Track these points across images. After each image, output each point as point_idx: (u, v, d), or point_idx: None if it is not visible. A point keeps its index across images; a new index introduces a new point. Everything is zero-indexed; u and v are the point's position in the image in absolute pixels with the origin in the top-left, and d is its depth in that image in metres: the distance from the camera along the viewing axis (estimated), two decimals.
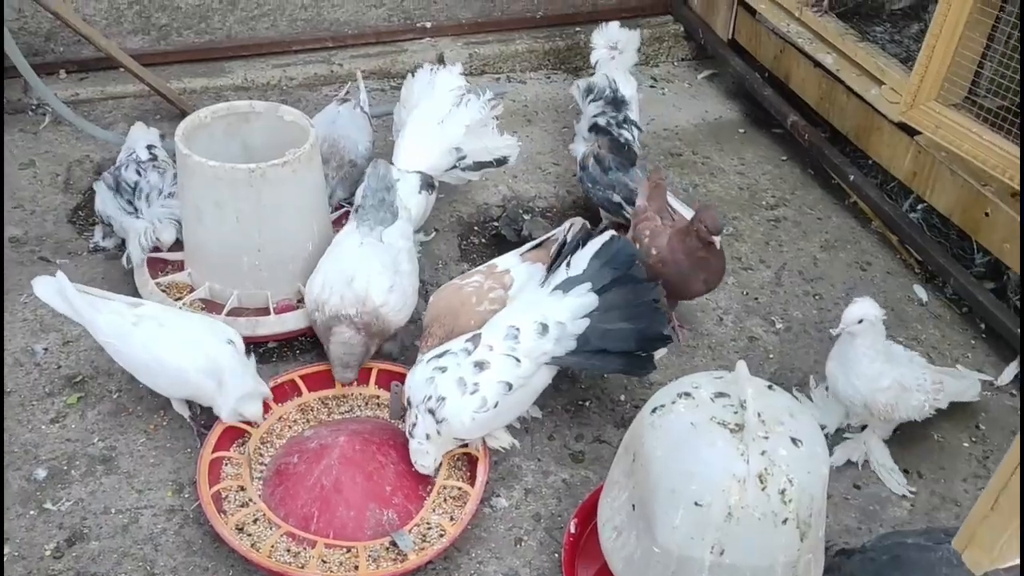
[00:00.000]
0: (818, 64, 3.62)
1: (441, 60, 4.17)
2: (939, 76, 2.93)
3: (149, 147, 3.15)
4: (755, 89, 3.94)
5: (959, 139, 2.91)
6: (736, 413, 1.91)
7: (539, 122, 3.97)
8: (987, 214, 2.93)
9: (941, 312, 3.15)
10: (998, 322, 2.94)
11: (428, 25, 4.24)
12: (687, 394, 1.97)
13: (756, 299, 3.16)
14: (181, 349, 2.40)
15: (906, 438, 2.64)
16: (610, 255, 2.47)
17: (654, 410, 1.99)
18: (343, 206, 3.18)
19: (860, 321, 2.40)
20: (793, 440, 1.88)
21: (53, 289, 2.42)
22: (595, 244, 2.49)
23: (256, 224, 2.68)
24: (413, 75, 3.34)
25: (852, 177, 3.45)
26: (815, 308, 3.14)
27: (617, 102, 3.33)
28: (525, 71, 4.31)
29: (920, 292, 3.21)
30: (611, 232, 2.54)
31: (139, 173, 2.98)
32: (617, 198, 3.15)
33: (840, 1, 3.72)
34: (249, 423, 2.50)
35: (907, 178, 3.27)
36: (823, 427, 2.65)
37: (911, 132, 3.19)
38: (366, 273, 2.59)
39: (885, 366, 2.45)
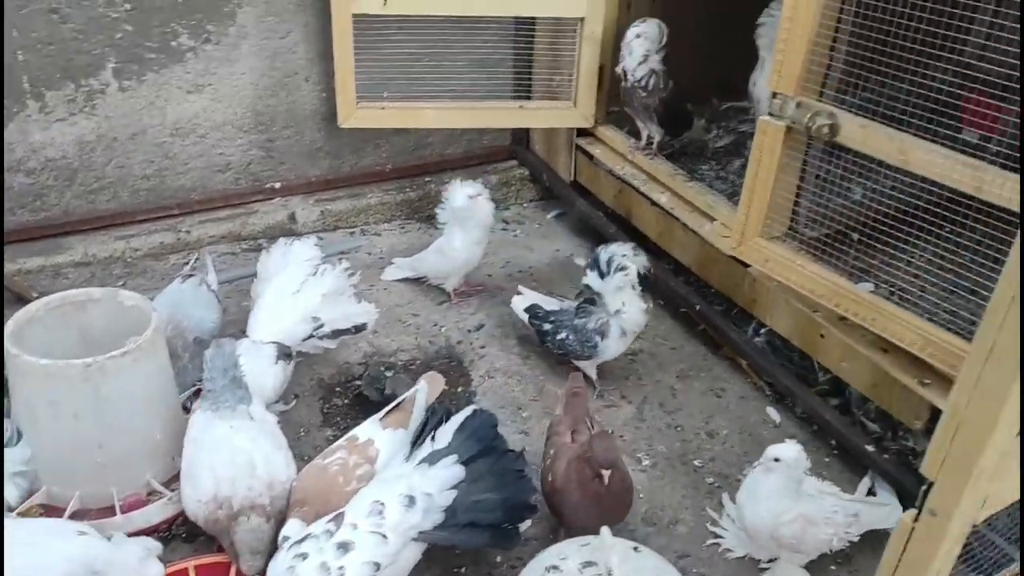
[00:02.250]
0: (655, 203, 3.84)
1: (293, 219, 4.17)
2: (760, 214, 3.14)
3: None
4: (600, 227, 4.12)
5: (786, 271, 3.10)
6: None
7: None
8: (822, 335, 3.11)
9: (794, 432, 3.27)
10: (844, 439, 3.09)
11: (277, 185, 4.25)
12: (555, 567, 1.96)
13: (622, 437, 3.21)
14: (35, 561, 2.19)
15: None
16: (473, 428, 2.49)
17: None
18: (196, 384, 3.07)
19: (776, 459, 2.45)
20: None
21: None
22: (458, 418, 2.51)
23: (95, 420, 2.53)
24: (268, 250, 3.34)
25: (698, 306, 3.62)
26: (678, 440, 3.21)
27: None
28: (379, 223, 4.37)
29: (773, 414, 3.35)
30: (473, 407, 2.56)
31: None
32: None
33: (667, 144, 3.98)
34: None
35: (748, 304, 3.45)
36: (733, 551, 2.72)
37: (745, 263, 3.39)
38: (263, 455, 2.49)
39: (791, 502, 2.48)
